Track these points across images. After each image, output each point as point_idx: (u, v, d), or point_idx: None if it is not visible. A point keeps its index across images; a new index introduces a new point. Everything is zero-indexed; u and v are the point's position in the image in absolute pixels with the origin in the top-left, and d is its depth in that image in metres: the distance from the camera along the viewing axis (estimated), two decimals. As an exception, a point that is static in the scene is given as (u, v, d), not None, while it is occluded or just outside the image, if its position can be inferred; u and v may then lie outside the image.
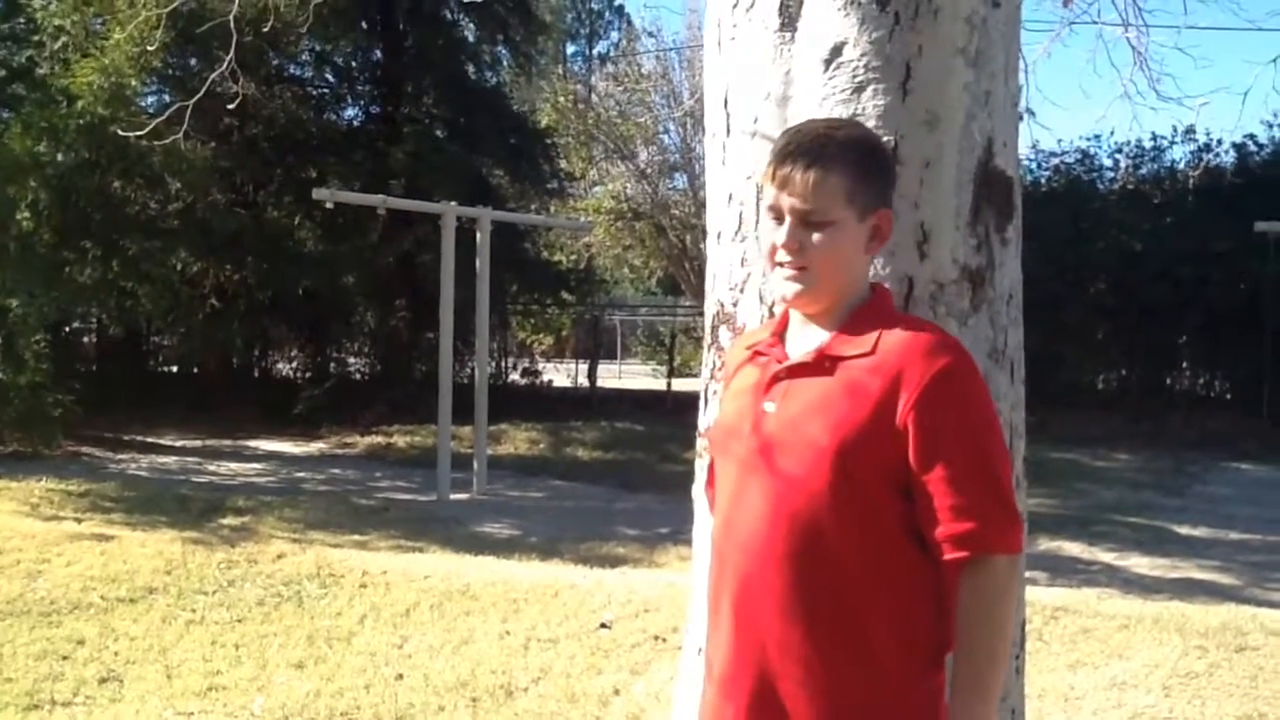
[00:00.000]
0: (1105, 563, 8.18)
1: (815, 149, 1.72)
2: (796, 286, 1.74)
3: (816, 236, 1.71)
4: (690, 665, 2.27)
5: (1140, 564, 8.13)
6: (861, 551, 1.65)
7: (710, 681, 1.83)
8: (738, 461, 1.77)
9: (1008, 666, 1.69)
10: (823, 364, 1.72)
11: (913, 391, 1.64)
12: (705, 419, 2.31)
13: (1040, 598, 6.06)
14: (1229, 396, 17.87)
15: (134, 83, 13.12)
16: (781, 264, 1.75)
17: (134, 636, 5.26)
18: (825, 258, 1.72)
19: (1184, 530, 9.53)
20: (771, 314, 2.11)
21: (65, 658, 4.89)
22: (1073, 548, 8.60)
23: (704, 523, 2.25)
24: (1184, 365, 18.52)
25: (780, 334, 1.84)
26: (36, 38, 13.26)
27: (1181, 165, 17.19)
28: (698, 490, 2.30)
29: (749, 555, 1.71)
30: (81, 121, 12.28)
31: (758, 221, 2.16)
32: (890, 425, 1.64)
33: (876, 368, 1.67)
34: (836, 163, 1.71)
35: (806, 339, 1.78)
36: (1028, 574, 2.27)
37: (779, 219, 1.75)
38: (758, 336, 1.90)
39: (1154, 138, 17.52)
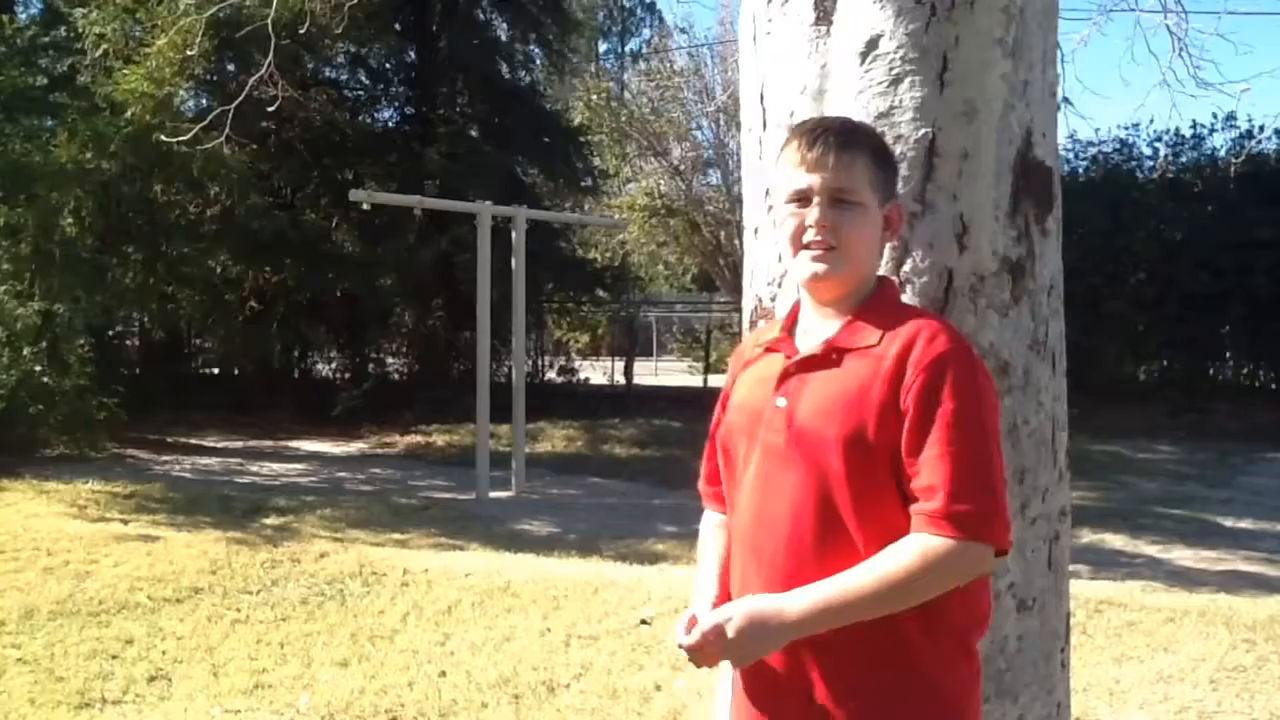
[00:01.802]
0: (1149, 555, 8.09)
1: (844, 132, 1.79)
2: (823, 267, 1.76)
3: (847, 216, 1.75)
4: (733, 660, 2.27)
5: (1185, 556, 8.04)
6: (880, 538, 1.65)
7: (740, 671, 1.82)
8: (758, 448, 1.78)
9: (845, 622, 1.62)
10: (830, 356, 1.74)
11: (912, 377, 1.65)
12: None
13: (1084, 591, 6.00)
14: (1274, 387, 17.62)
15: (181, 92, 13.27)
16: (809, 245, 1.76)
17: (181, 636, 5.34)
18: (854, 238, 1.76)
19: (1229, 522, 9.41)
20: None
21: (115, 657, 4.97)
22: (1115, 540, 8.51)
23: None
24: (1227, 355, 18.28)
25: (790, 329, 1.86)
26: (78, 46, 13.41)
27: (1222, 153, 16.99)
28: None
29: (774, 544, 1.72)
30: (128, 130, 12.43)
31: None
32: (895, 412, 1.66)
33: (881, 357, 1.69)
34: (863, 146, 1.79)
35: (816, 331, 1.80)
36: (1070, 567, 2.25)
37: (803, 201, 1.77)
38: (768, 334, 1.92)
39: (1194, 125, 17.35)
